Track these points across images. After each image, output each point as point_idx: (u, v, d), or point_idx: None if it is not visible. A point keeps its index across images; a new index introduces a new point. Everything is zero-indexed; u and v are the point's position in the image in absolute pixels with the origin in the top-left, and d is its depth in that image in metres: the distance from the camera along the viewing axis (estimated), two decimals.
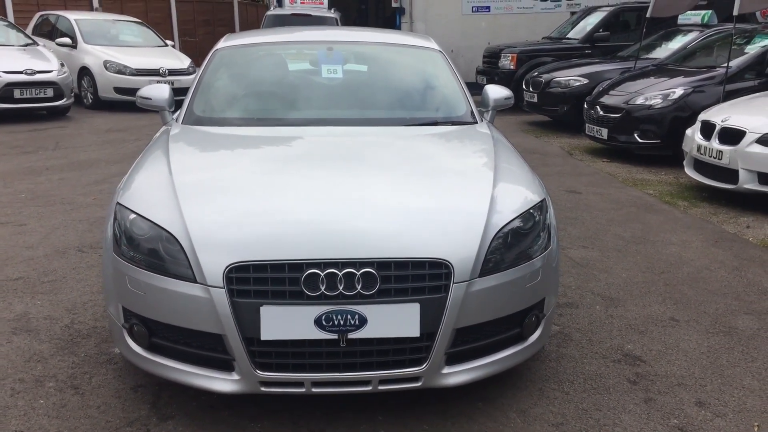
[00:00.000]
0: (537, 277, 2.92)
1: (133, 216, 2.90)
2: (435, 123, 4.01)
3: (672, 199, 6.83)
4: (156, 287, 2.72)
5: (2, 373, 3.25)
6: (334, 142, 3.65)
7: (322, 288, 2.58)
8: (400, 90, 4.26)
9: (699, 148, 6.78)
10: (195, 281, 2.64)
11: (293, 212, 2.82)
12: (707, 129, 6.76)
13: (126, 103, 12.74)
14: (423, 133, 3.86)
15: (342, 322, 2.59)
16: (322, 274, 2.58)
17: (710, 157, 6.61)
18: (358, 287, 2.59)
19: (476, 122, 4.02)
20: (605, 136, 8.87)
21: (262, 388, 2.69)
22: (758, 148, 6.11)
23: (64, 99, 11.61)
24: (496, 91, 4.30)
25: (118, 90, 12.80)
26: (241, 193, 2.99)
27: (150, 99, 4.09)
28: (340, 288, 2.58)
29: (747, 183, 6.22)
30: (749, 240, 5.50)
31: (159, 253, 2.76)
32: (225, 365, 2.71)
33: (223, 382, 2.71)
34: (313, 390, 2.70)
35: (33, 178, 7.29)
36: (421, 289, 2.65)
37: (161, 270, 2.72)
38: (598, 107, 9.01)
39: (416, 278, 2.64)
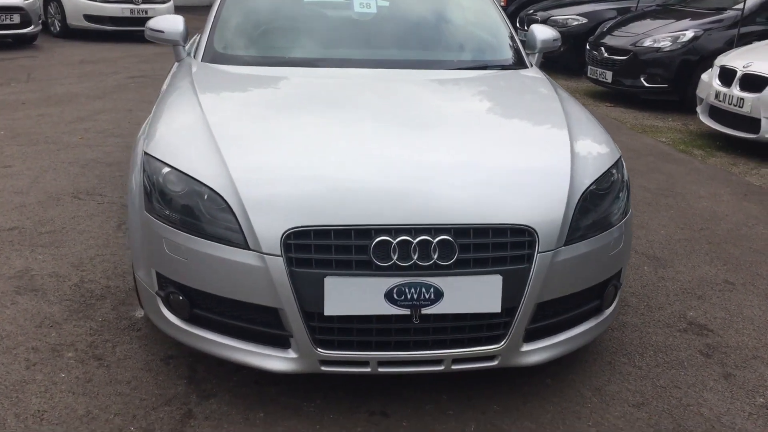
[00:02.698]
0: (620, 244, 2.65)
1: (166, 169, 2.52)
2: (484, 67, 3.65)
3: (687, 148, 6.61)
4: (200, 253, 2.37)
5: (13, 341, 2.90)
6: (382, 87, 3.25)
7: (394, 257, 2.27)
8: (444, 29, 3.86)
9: (717, 94, 6.52)
10: (247, 247, 2.30)
11: (357, 170, 2.47)
12: (727, 75, 6.49)
13: (96, 32, 12.02)
14: (476, 77, 3.50)
15: (416, 296, 2.29)
16: (394, 242, 2.26)
17: (730, 104, 6.36)
18: (434, 257, 2.28)
19: (527, 66, 3.67)
20: (609, 80, 8.56)
21: (323, 368, 2.39)
22: None
23: (32, 26, 10.87)
24: (543, 32, 3.93)
25: (88, 18, 12.02)
26: (291, 146, 2.61)
27: (162, 32, 3.63)
28: (414, 258, 2.27)
29: None
30: None
31: (202, 213, 2.40)
32: (280, 341, 2.40)
33: (277, 361, 2.41)
34: (380, 370, 2.41)
35: (9, 113, 6.74)
36: (503, 260, 2.35)
37: (206, 233, 2.37)
38: (602, 48, 8.67)
39: (497, 247, 2.34)
